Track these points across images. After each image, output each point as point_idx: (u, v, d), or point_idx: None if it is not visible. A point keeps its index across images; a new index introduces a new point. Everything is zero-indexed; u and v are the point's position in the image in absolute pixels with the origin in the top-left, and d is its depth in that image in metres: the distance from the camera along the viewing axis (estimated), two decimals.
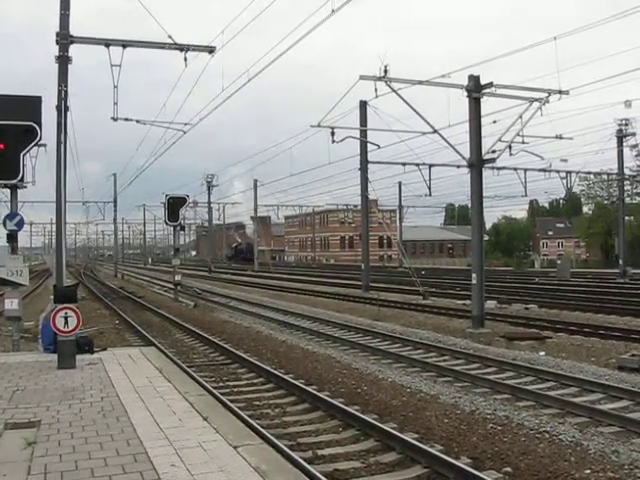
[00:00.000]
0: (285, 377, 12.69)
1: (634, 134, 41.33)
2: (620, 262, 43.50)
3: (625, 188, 46.81)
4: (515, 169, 33.65)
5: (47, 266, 75.29)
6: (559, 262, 52.42)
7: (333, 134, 26.31)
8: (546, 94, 21.38)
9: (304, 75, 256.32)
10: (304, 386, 11.81)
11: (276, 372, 13.21)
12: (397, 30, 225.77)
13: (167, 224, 35.89)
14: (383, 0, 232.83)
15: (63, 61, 13.55)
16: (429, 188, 34.80)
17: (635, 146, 43.28)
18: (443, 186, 47.57)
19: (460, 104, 21.32)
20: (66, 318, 11.47)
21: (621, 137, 41.81)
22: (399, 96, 21.21)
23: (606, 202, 65.63)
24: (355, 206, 71.11)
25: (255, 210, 69.71)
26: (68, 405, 8.62)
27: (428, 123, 22.21)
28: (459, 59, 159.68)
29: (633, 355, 13.68)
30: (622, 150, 42.62)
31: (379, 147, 32.15)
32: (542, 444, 8.33)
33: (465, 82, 20.80)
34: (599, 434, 8.85)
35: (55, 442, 6.92)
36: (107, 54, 14.40)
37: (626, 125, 41.22)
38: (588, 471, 7.32)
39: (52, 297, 13.56)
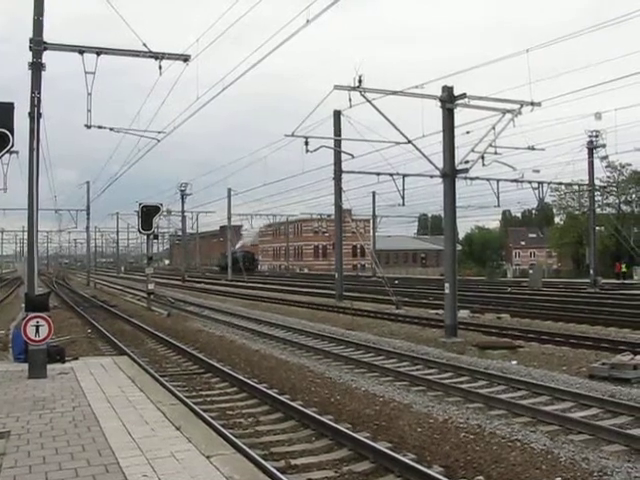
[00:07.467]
0: (258, 386, 12.65)
1: (604, 146, 42.10)
2: (591, 272, 44.00)
3: (596, 199, 47.46)
4: (488, 179, 33.89)
5: (18, 274, 74.43)
6: (531, 272, 52.86)
7: (307, 143, 26.32)
8: (519, 105, 21.65)
9: (281, 84, 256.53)
10: (277, 395, 11.78)
11: (249, 381, 13.16)
12: (376, 40, 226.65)
13: (141, 233, 35.65)
14: (363, 10, 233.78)
15: (36, 68, 13.42)
16: (403, 198, 34.85)
17: (605, 157, 44.00)
18: (417, 196, 47.66)
19: (434, 114, 21.54)
20: (37, 327, 11.35)
21: (592, 148, 42.56)
22: (373, 106, 21.31)
23: (577, 212, 66.36)
24: (329, 215, 71.19)
25: (229, 219, 69.66)
26: (38, 415, 8.52)
27: (402, 133, 22.36)
28: (436, 69, 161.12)
29: (603, 364, 13.82)
30: (592, 161, 43.39)
31: (353, 157, 32.30)
32: (514, 452, 8.39)
33: (439, 93, 21.01)
34: (570, 442, 8.94)
35: (25, 453, 6.82)
36: (81, 61, 14.31)
37: (596, 137, 41.97)
38: (559, 479, 7.39)
39: (23, 305, 13.40)
